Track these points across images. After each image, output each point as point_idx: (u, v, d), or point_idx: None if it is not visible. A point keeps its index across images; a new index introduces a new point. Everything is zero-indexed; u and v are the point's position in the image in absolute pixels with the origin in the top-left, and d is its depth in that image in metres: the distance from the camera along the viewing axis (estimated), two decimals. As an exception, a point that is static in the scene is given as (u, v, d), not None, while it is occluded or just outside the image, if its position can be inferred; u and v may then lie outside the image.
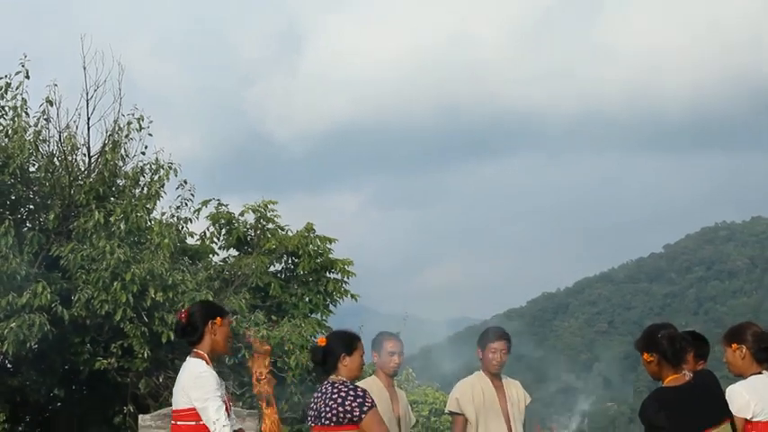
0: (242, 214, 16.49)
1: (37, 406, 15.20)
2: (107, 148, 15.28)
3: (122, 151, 15.51)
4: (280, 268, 16.57)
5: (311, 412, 6.82)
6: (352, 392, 6.61)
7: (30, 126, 14.98)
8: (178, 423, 6.30)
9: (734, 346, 6.78)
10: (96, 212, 14.30)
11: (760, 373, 6.73)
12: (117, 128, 15.51)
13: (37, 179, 14.97)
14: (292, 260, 16.38)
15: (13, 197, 14.85)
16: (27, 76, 14.79)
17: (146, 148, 15.59)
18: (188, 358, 6.47)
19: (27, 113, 14.96)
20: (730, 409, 6.54)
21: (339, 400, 6.58)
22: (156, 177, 15.38)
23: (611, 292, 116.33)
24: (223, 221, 16.41)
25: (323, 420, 6.64)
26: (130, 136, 15.59)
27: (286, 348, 14.57)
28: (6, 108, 14.86)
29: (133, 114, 15.54)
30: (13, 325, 13.00)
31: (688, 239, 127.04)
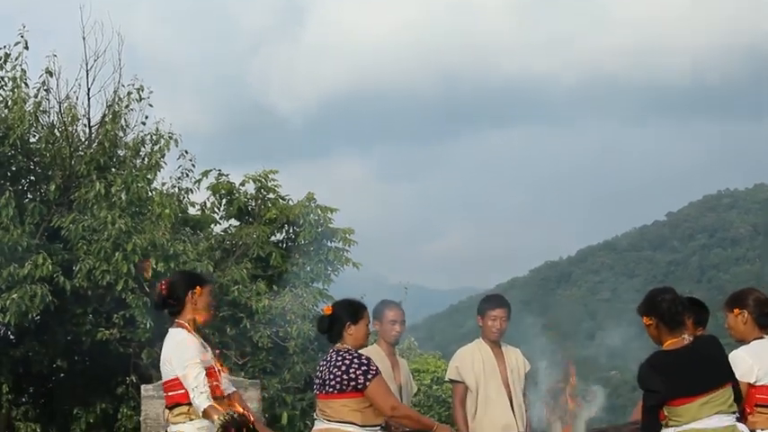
0: (243, 184, 16.45)
1: (40, 377, 15.23)
2: (107, 119, 15.26)
3: (123, 122, 15.50)
4: (281, 238, 16.54)
5: (317, 380, 6.83)
6: (356, 360, 6.62)
7: (30, 97, 14.96)
8: (169, 394, 6.30)
9: (736, 311, 6.80)
10: (97, 183, 14.29)
11: (762, 337, 6.75)
12: (117, 98, 15.49)
13: (37, 150, 14.95)
14: (293, 230, 16.34)
15: (14, 168, 14.84)
16: (26, 47, 14.76)
17: (146, 118, 15.61)
18: (169, 329, 6.46)
19: (27, 84, 14.95)
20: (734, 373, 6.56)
21: (343, 368, 6.59)
22: (156, 148, 15.37)
23: (613, 260, 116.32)
24: (224, 192, 16.37)
25: (327, 388, 6.65)
26: (130, 106, 15.59)
27: (288, 318, 14.58)
28: (6, 79, 14.84)
29: (133, 85, 15.53)
30: (14, 296, 13.02)
31: (691, 207, 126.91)
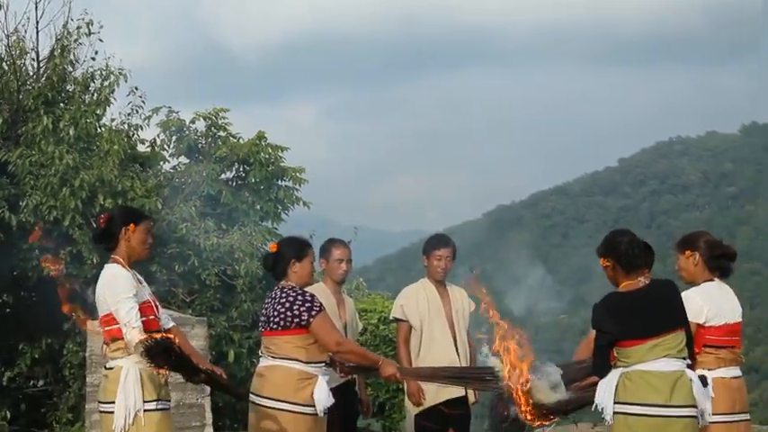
0: (193, 122, 16.29)
1: (-15, 312, 15.15)
2: (56, 53, 15.04)
3: (72, 56, 15.25)
4: (231, 176, 16.43)
5: (262, 318, 6.89)
6: (300, 297, 6.65)
7: (-25, 30, 14.73)
8: (106, 329, 6.30)
9: (687, 252, 6.89)
10: (45, 118, 14.12)
11: (712, 280, 6.84)
12: (66, 32, 15.24)
13: (-16, 83, 14.76)
14: (243, 168, 16.24)
15: (-40, 101, 14.65)
16: (-29, -21, 14.51)
17: (96, 53, 15.32)
18: (105, 265, 6.46)
19: (-28, 17, 14.71)
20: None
21: (287, 305, 6.62)
22: (105, 84, 15.15)
23: (565, 205, 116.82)
24: (174, 129, 16.21)
25: (271, 325, 6.69)
26: (80, 41, 15.32)
27: (236, 256, 14.55)
28: (-50, 12, 14.59)
29: (83, 19, 15.26)
30: (-40, 230, 12.89)
31: (643, 153, 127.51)
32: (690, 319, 6.56)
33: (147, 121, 15.81)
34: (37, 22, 15.21)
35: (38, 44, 15.27)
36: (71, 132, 14.18)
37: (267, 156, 16.03)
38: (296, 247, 6.92)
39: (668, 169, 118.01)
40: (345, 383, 8.01)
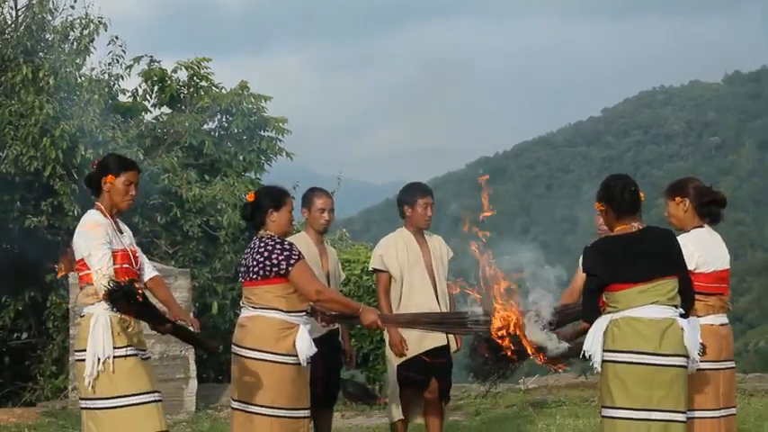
0: (175, 71, 16.19)
1: (-34, 264, 15.05)
2: (34, 1, 14.85)
3: (51, 5, 15.06)
4: (213, 126, 16.36)
5: (241, 268, 6.83)
6: (279, 246, 6.61)
7: (-48, -23, 14.54)
8: (80, 274, 6.23)
9: (677, 199, 6.85)
10: (24, 67, 13.98)
11: (701, 226, 6.81)
12: (44, -21, 15.07)
13: (-39, 32, 14.59)
14: (226, 118, 16.17)
15: (-63, 51, 14.47)
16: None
17: (75, 1, 15.13)
18: (88, 211, 6.41)
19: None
20: None
21: (266, 254, 6.58)
22: (85, 32, 15.00)
23: (548, 155, 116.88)
24: (156, 78, 16.11)
25: (251, 275, 6.65)
26: (59, -12, 15.17)
27: (219, 207, 14.50)
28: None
29: (61, -34, 15.09)
30: (-61, 181, 12.78)
31: (626, 103, 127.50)
32: None
33: (128, 71, 15.72)
34: (14, -30, 15.01)
35: (15, -8, 15.07)
36: (51, 82, 14.05)
37: (250, 106, 15.96)
38: (274, 196, 6.85)
39: (651, 119, 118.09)
40: (329, 334, 7.98)
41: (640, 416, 5.95)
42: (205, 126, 16.05)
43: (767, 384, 12.91)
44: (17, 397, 14.15)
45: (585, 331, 6.21)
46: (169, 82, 16.06)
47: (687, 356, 6.02)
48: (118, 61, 15.42)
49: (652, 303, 5.99)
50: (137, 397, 6.14)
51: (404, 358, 8.20)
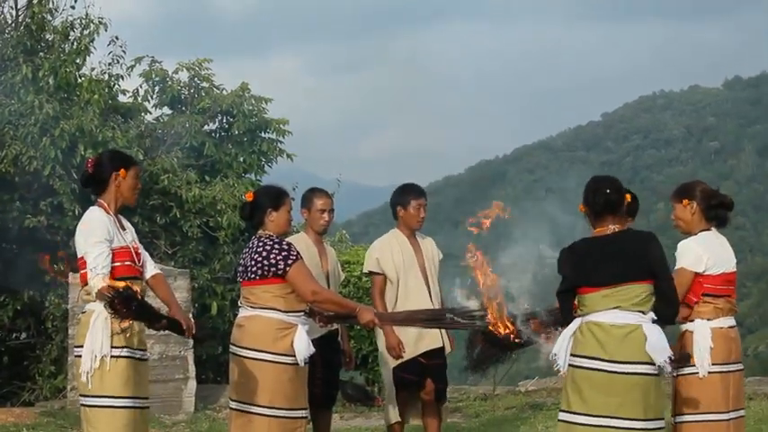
0: (176, 72, 16.18)
1: (-35, 264, 15.02)
2: (35, 1, 14.83)
3: (51, 4, 15.06)
4: (214, 128, 16.37)
5: (240, 268, 6.83)
6: (277, 246, 6.61)
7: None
8: (81, 272, 6.21)
9: (684, 201, 6.81)
10: (24, 67, 13.96)
11: (708, 229, 6.79)
12: (44, -21, 15.07)
13: (-38, 31, 14.59)
14: (227, 119, 16.18)
15: (-62, 50, 14.47)
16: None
17: (75, 1, 15.13)
18: (89, 207, 6.38)
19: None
20: (680, 262, 6.60)
21: (264, 254, 6.58)
22: (85, 32, 14.99)
23: (548, 160, 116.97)
24: (157, 79, 16.10)
25: (249, 274, 6.66)
26: (59, -12, 15.18)
27: (218, 208, 14.48)
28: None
29: (61, -34, 15.09)
30: (-62, 181, 12.76)
31: (626, 108, 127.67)
32: (688, 268, 6.58)
33: (128, 72, 15.70)
34: (14, -30, 15.01)
35: (16, -9, 15.07)
36: (51, 82, 14.07)
37: (250, 107, 15.99)
38: (273, 196, 6.85)
39: (651, 124, 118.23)
40: (328, 334, 7.98)
41: (597, 422, 5.87)
42: (206, 127, 16.06)
43: (766, 388, 12.89)
44: (16, 397, 14.12)
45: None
46: (170, 83, 16.06)
47: (651, 363, 5.84)
48: (118, 62, 15.39)
49: (614, 308, 5.89)
50: (122, 400, 6.11)
51: (400, 360, 8.20)
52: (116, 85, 15.58)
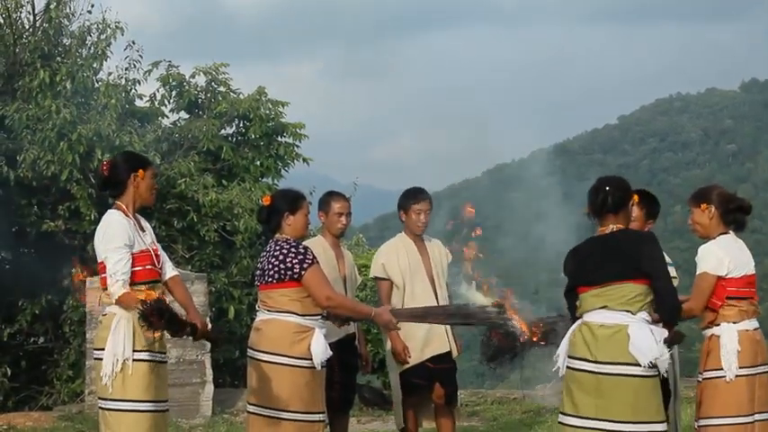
0: (193, 76, 16.20)
1: (-16, 268, 15.10)
2: (52, 6, 14.87)
3: (68, 9, 15.14)
4: (231, 132, 16.39)
5: (257, 271, 6.83)
6: (293, 250, 6.60)
7: (-30, -17, 14.59)
8: (102, 276, 6.21)
9: (703, 206, 6.78)
10: (41, 71, 14.05)
11: (727, 233, 6.77)
12: (61, -16, 15.12)
13: (-20, 37, 14.63)
14: (244, 124, 16.18)
15: (-44, 56, 14.53)
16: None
17: (92, 6, 15.19)
18: (108, 210, 6.37)
19: (-33, -30, 14.56)
20: (702, 266, 6.58)
21: (281, 257, 6.57)
22: (102, 37, 15.03)
23: (565, 163, 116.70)
24: (174, 83, 16.12)
25: (266, 278, 6.65)
26: (76, -6, 15.23)
27: (235, 212, 14.50)
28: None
29: (78, -30, 15.14)
30: (-42, 186, 12.81)
31: (642, 111, 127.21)
32: (711, 272, 6.55)
33: (146, 76, 15.74)
34: (31, -26, 15.05)
35: (34, -3, 15.11)
36: (68, 86, 14.14)
37: (267, 111, 16.00)
38: (290, 200, 6.85)
39: (668, 127, 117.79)
40: (346, 338, 7.97)
41: (586, 424, 5.87)
42: (222, 131, 16.08)
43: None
44: (34, 401, 14.19)
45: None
46: (187, 87, 16.07)
47: (638, 364, 5.80)
48: (135, 66, 15.45)
49: (601, 308, 5.91)
50: (144, 404, 6.12)
51: (406, 366, 8.20)
52: (133, 90, 15.63)
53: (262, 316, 6.73)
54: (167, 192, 14.24)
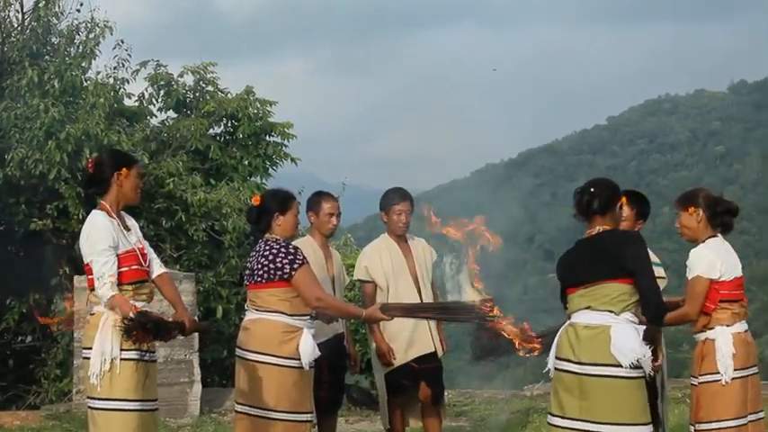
0: (181, 75, 16.18)
1: (-29, 268, 15.04)
2: (40, 5, 14.86)
3: (56, 8, 15.11)
4: (219, 131, 16.37)
5: (247, 271, 6.82)
6: (283, 250, 6.60)
7: (-42, -19, 14.56)
8: (89, 276, 6.20)
9: (690, 209, 6.79)
10: (30, 70, 14.01)
11: (715, 236, 6.77)
12: (50, -17, 15.09)
13: (-32, 36, 14.60)
14: (232, 123, 16.17)
15: (-56, 54, 14.49)
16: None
17: (81, 5, 15.18)
18: (92, 211, 6.35)
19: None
20: (695, 270, 6.58)
21: (270, 257, 6.57)
22: (91, 36, 15.02)
23: (554, 163, 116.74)
24: (162, 83, 16.10)
25: (256, 278, 6.65)
26: (64, -8, 15.20)
27: (224, 212, 14.48)
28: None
29: (66, -31, 15.11)
30: (-56, 185, 12.78)
31: (631, 112, 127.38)
32: (703, 275, 6.56)
33: (134, 75, 15.72)
34: (19, -27, 15.02)
35: (21, -5, 15.09)
36: (56, 85, 14.11)
37: (255, 111, 15.98)
38: (279, 200, 6.85)
39: (657, 128, 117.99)
40: (334, 338, 7.97)
41: (570, 425, 5.87)
42: (211, 131, 16.06)
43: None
44: (21, 400, 14.15)
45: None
46: (175, 86, 16.06)
47: (619, 365, 5.76)
48: (123, 65, 15.44)
49: (586, 308, 5.90)
50: (132, 403, 6.09)
51: (391, 367, 8.21)
52: (121, 89, 15.59)
53: (250, 315, 6.72)
54: (155, 191, 14.22)
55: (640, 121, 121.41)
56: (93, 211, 6.28)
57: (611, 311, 5.84)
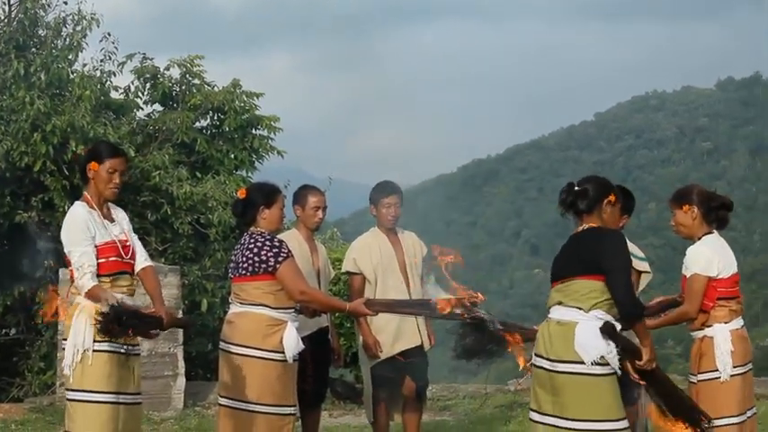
0: (167, 69, 16.14)
1: (-44, 259, 14.99)
2: (27, -4, 14.82)
3: (43, 0, 15.06)
4: (205, 124, 16.34)
5: (231, 264, 6.83)
6: (268, 243, 6.60)
7: (-56, -28, 14.51)
8: (69, 268, 6.20)
9: (685, 207, 6.77)
10: (16, 62, 13.94)
11: (711, 232, 6.77)
12: (37, -25, 15.03)
13: (-47, 27, 14.56)
14: (218, 116, 16.15)
15: (-71, 46, 14.43)
16: None
17: (68, -3, 15.14)
18: (74, 203, 6.37)
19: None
20: (693, 268, 6.58)
21: (255, 250, 6.58)
22: (78, 28, 14.96)
23: (540, 159, 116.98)
24: (148, 76, 16.07)
25: (240, 270, 6.66)
26: (51, -16, 15.15)
27: (209, 205, 14.46)
28: None
29: (53, -39, 15.06)
30: (-71, 177, 12.73)
31: (618, 108, 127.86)
32: (701, 273, 6.58)
33: (120, 68, 15.66)
34: (6, -35, 14.98)
35: (8, -14, 15.04)
36: (42, 77, 14.04)
37: (242, 104, 15.95)
38: (265, 194, 6.85)
39: (644, 124, 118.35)
40: (318, 332, 7.97)
41: (545, 420, 5.88)
42: (197, 124, 16.03)
43: (764, 389, 12.83)
44: (4, 393, 14.09)
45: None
46: (161, 79, 16.02)
47: (582, 363, 5.74)
48: (110, 58, 15.37)
49: (558, 304, 5.91)
50: (103, 395, 6.09)
51: (377, 360, 8.22)
52: (108, 82, 15.54)
53: (234, 308, 6.73)
54: (141, 184, 14.19)
55: (627, 118, 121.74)
56: (75, 203, 6.32)
57: (579, 308, 5.81)
